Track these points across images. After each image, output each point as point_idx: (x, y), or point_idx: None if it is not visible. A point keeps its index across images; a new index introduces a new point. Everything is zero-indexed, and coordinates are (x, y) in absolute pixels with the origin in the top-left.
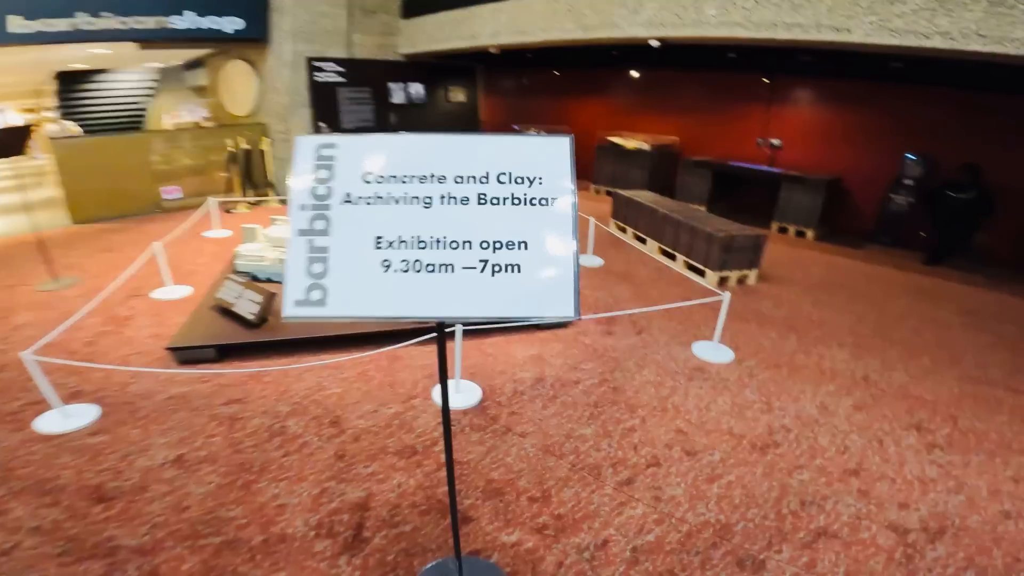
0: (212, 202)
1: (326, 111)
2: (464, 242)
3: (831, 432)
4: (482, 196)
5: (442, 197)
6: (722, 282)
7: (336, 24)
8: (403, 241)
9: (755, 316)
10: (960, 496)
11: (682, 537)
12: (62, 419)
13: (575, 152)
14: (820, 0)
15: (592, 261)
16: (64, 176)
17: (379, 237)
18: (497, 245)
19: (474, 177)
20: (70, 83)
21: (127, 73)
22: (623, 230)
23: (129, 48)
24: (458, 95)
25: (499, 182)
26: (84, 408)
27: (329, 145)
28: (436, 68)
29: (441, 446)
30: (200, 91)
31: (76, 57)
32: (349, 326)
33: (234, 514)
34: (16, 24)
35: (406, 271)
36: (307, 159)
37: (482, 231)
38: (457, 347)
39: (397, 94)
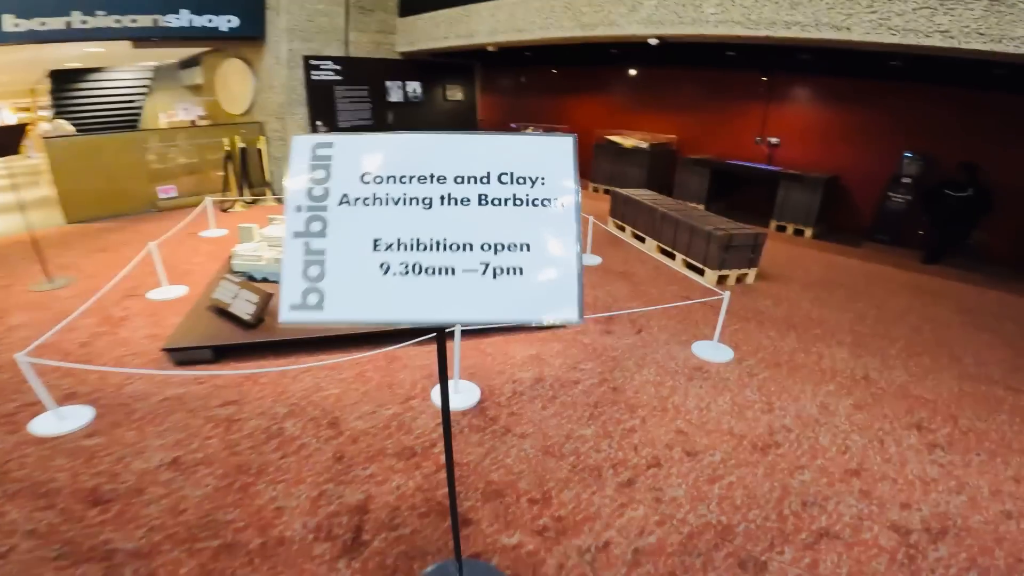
0: (208, 201)
1: (323, 110)
2: (465, 244)
3: (832, 432)
4: (483, 197)
5: (442, 198)
6: (721, 281)
7: (333, 22)
8: (402, 243)
9: (754, 315)
10: (962, 496)
11: (684, 539)
12: (57, 421)
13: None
14: None
15: (591, 259)
16: (58, 175)
17: (377, 239)
18: (499, 247)
19: (475, 177)
20: (64, 82)
21: (122, 72)
22: (621, 229)
23: (124, 47)
24: (456, 93)
25: (501, 182)
26: (79, 410)
27: (326, 144)
28: (433, 66)
29: (440, 447)
30: (196, 90)
31: (70, 56)
32: (347, 327)
33: (232, 517)
34: (10, 23)
35: (405, 274)
36: (303, 159)
37: (483, 233)
38: (456, 347)
39: (394, 92)
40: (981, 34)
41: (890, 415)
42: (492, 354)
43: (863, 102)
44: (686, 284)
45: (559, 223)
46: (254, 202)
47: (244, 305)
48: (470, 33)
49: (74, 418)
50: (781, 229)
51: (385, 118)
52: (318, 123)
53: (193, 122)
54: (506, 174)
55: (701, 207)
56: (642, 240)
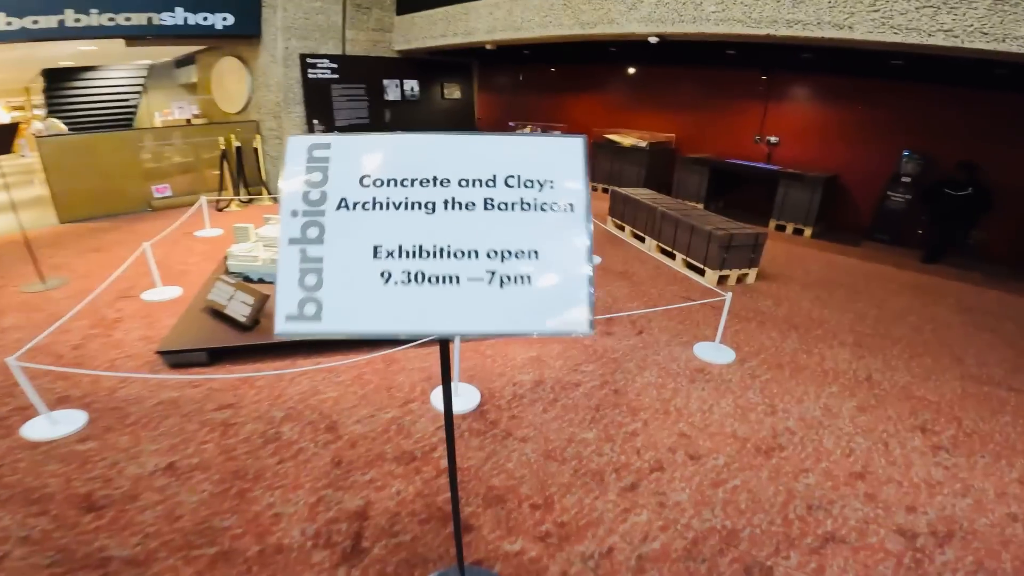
0: (203, 201)
1: (320, 108)
2: (470, 251)
3: (836, 434)
4: (489, 201)
5: (446, 202)
6: (721, 281)
7: (329, 20)
8: (404, 250)
9: (755, 315)
10: (967, 499)
11: (688, 544)
12: (49, 425)
13: None
14: None
15: None
16: (51, 174)
17: (378, 246)
18: (506, 254)
19: (480, 180)
20: (58, 80)
21: (116, 70)
22: (621, 228)
23: (117, 45)
24: (453, 92)
25: (507, 186)
26: (72, 414)
27: (323, 145)
28: (431, 65)
29: (440, 452)
30: (191, 88)
31: (64, 54)
32: None
33: (228, 524)
34: (1, 21)
35: (407, 283)
36: (298, 160)
37: (489, 239)
38: (455, 350)
39: (392, 91)
40: (984, 33)
41: (894, 417)
42: (492, 356)
43: (863, 101)
44: (686, 284)
45: (569, 228)
46: (250, 201)
47: (239, 307)
48: (468, 31)
49: (67, 422)
50: (780, 228)
51: (382, 117)
52: (315, 122)
53: (188, 121)
54: (513, 177)
55: (700, 206)
56: (642, 240)
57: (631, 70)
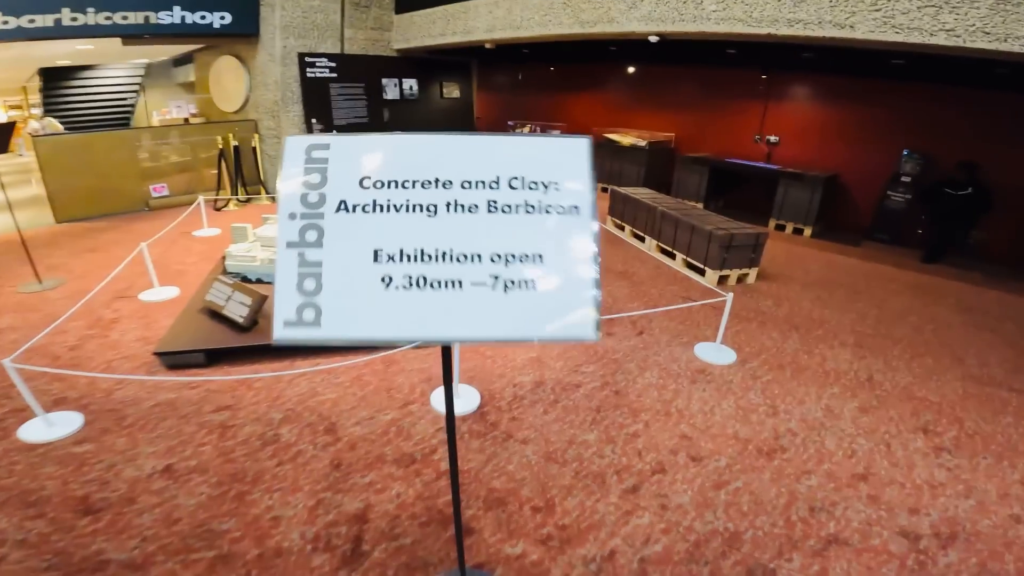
0: (201, 200)
1: (318, 107)
2: (473, 255)
3: (838, 436)
4: (492, 203)
5: (448, 204)
6: (722, 281)
7: (328, 19)
8: (405, 254)
9: (756, 315)
10: (970, 500)
11: (690, 547)
12: (46, 427)
13: None
14: None
15: None
16: (47, 174)
17: (378, 250)
18: (510, 258)
19: (483, 182)
20: (55, 79)
21: (114, 69)
22: (621, 227)
23: (114, 44)
24: (452, 91)
25: (511, 188)
26: (68, 416)
27: (321, 146)
28: (430, 63)
29: (440, 454)
30: (189, 87)
31: (61, 53)
32: None
33: (227, 527)
34: None
35: (409, 288)
36: (296, 161)
37: (493, 243)
38: (455, 351)
39: (390, 90)
40: (986, 33)
41: (896, 418)
42: (492, 357)
43: (863, 100)
44: (687, 284)
45: (575, 232)
46: (248, 201)
47: (237, 307)
48: (467, 30)
49: (63, 424)
50: (780, 228)
51: (381, 116)
52: (313, 121)
53: (186, 120)
54: (517, 178)
55: (700, 205)
56: (642, 239)
57: (631, 69)
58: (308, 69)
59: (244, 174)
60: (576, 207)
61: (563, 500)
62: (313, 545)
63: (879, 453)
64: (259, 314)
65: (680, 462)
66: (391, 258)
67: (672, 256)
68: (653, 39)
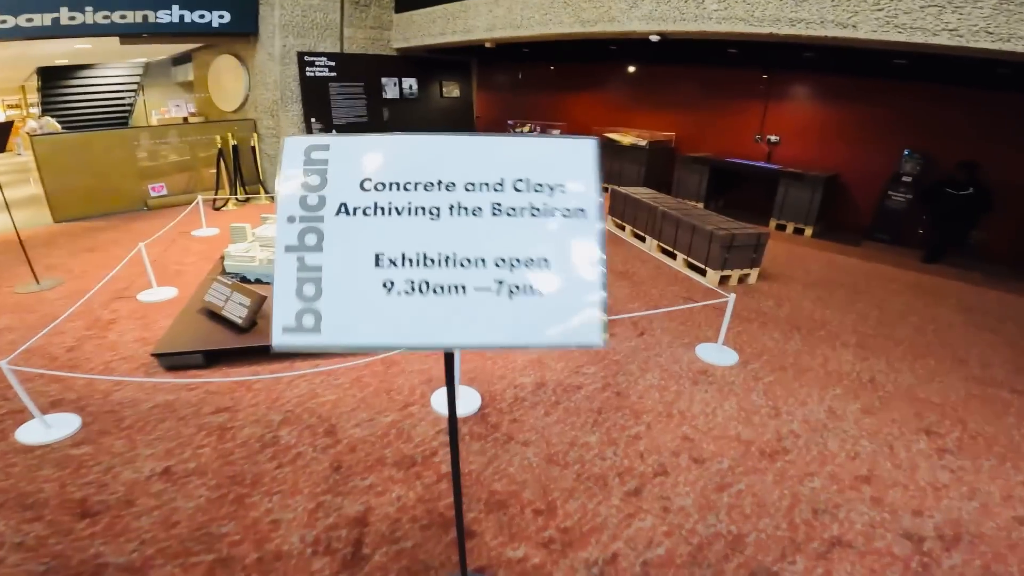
0: (200, 200)
1: (317, 106)
2: (477, 259)
3: (840, 437)
4: (497, 206)
5: (451, 207)
6: (723, 281)
7: (327, 18)
8: (407, 258)
9: (757, 316)
10: (974, 502)
11: (693, 549)
12: (43, 429)
13: None
14: None
15: None
16: (45, 173)
17: (380, 254)
18: (515, 263)
19: (487, 184)
20: (53, 79)
21: (112, 68)
22: (621, 227)
23: (112, 43)
24: (452, 90)
25: (516, 190)
26: (66, 417)
27: (321, 147)
28: (430, 63)
29: (440, 456)
30: (188, 86)
31: (59, 52)
32: None
33: (226, 530)
34: None
35: (411, 293)
36: (295, 163)
37: (498, 246)
38: (456, 352)
39: (390, 89)
40: (990, 33)
41: (898, 419)
42: (492, 358)
43: (864, 99)
44: (688, 284)
45: (581, 235)
46: (247, 200)
47: (236, 308)
48: (467, 29)
49: (61, 426)
50: (781, 228)
51: (381, 115)
52: (312, 120)
53: (185, 119)
54: (522, 180)
55: (700, 205)
56: (642, 239)
57: (631, 68)
58: (307, 68)
59: (243, 173)
60: (583, 210)
61: (565, 503)
62: (313, 548)
63: (882, 455)
64: (258, 315)
65: (682, 464)
66: (393, 262)
67: (673, 256)
68: (654, 38)
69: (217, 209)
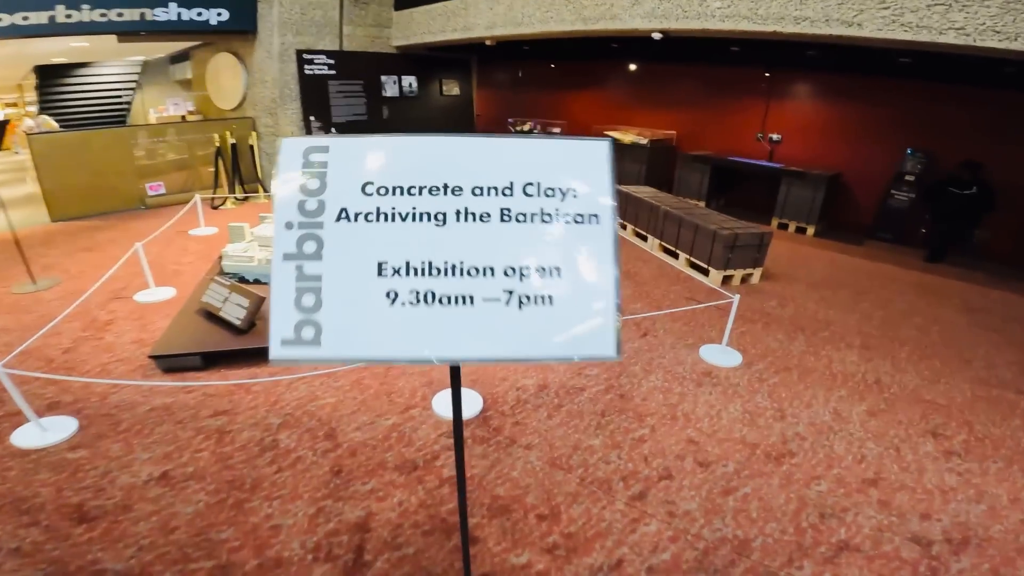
0: (198, 198)
1: (316, 105)
2: (485, 268)
3: (847, 440)
4: (506, 212)
5: (458, 213)
6: (726, 281)
7: (326, 15)
8: (412, 267)
9: (761, 316)
10: (981, 505)
11: (699, 555)
12: (39, 433)
13: None
14: None
15: None
16: (42, 172)
17: (383, 262)
18: (524, 272)
19: (496, 188)
20: (51, 77)
21: (109, 67)
22: (623, 227)
23: (110, 41)
24: (452, 88)
25: (526, 195)
26: (62, 421)
27: (320, 149)
28: (429, 60)
29: (442, 460)
30: (186, 84)
31: (56, 50)
32: None
33: (226, 536)
34: None
35: (416, 304)
36: (293, 165)
37: (507, 255)
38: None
39: (390, 87)
40: (996, 32)
41: (904, 421)
42: None
43: (866, 98)
44: (690, 284)
45: (594, 243)
46: (245, 199)
47: (235, 309)
48: (467, 27)
49: (57, 430)
50: (783, 227)
51: (380, 113)
52: (311, 118)
53: (183, 117)
54: (532, 184)
55: (701, 204)
56: (644, 238)
57: (632, 66)
58: (306, 66)
59: (242, 172)
60: (596, 216)
61: (568, 507)
62: (314, 555)
63: (889, 457)
64: (256, 316)
65: (687, 467)
66: (396, 271)
67: (675, 256)
68: (656, 36)
69: (215, 208)
